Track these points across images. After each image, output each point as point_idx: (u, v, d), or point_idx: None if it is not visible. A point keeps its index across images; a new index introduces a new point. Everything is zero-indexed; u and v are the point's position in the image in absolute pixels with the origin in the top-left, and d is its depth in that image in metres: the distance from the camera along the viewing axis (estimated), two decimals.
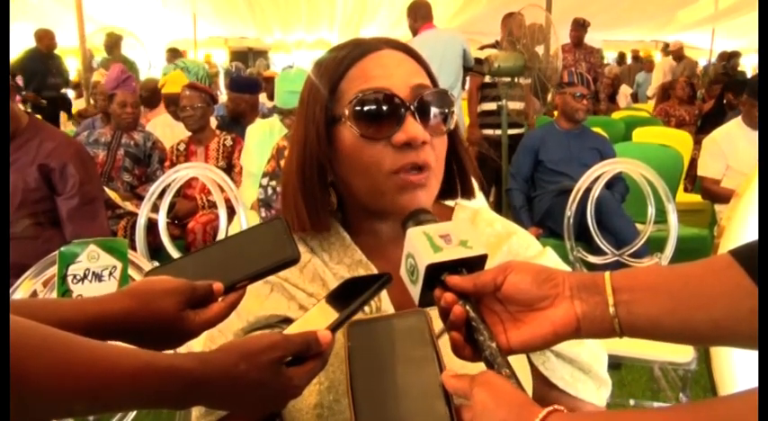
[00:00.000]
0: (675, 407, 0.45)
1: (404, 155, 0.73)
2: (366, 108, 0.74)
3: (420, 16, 4.32)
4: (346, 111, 0.74)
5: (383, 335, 0.56)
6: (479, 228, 0.86)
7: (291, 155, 0.82)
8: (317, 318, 0.61)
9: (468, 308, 0.57)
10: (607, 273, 0.58)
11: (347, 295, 0.63)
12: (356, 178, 0.77)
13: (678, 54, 8.33)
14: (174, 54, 6.86)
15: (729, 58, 8.49)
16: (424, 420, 0.50)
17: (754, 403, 0.39)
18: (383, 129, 0.73)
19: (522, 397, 0.49)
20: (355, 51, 0.78)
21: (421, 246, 0.59)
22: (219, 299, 0.64)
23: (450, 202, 0.88)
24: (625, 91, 8.49)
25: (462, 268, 0.60)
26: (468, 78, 4.42)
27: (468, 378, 0.52)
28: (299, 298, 0.79)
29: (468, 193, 0.87)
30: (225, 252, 0.69)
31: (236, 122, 3.72)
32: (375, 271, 0.79)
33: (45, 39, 6.30)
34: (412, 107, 0.74)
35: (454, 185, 0.85)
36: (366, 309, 0.76)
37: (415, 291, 0.61)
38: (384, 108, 0.73)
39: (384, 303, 0.78)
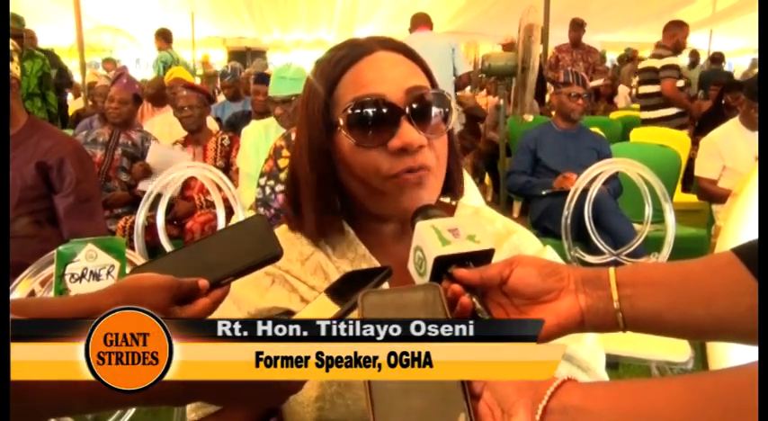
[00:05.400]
0: (684, 378, 0.46)
1: (400, 160, 0.73)
2: (360, 116, 0.73)
3: (415, 23, 4.35)
4: (341, 120, 0.74)
5: (397, 305, 0.56)
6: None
7: (300, 160, 0.81)
8: (317, 312, 0.61)
9: (474, 300, 0.58)
10: (611, 268, 0.60)
11: (348, 288, 0.63)
12: (356, 183, 0.77)
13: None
14: (165, 38, 6.23)
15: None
16: (435, 388, 0.51)
17: (753, 376, 0.40)
18: (379, 136, 0.73)
19: None
20: (350, 55, 0.77)
21: (429, 240, 0.61)
22: (205, 295, 0.64)
23: (452, 202, 0.88)
24: (623, 91, 8.50)
25: (469, 262, 0.61)
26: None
27: None
28: (300, 290, 0.79)
29: (456, 193, 0.86)
30: (209, 249, 0.70)
31: (247, 121, 3.68)
32: (377, 265, 0.80)
33: (30, 38, 6.22)
34: (407, 111, 0.73)
35: (448, 184, 0.85)
36: None
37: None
38: (378, 115, 0.73)
39: None
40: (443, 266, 0.60)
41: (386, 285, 0.78)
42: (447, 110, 0.76)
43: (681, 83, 4.60)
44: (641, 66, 4.89)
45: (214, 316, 0.65)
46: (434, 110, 0.75)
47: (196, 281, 0.63)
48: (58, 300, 0.61)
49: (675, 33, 4.61)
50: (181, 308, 0.62)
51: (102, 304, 0.58)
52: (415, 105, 0.73)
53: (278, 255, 0.68)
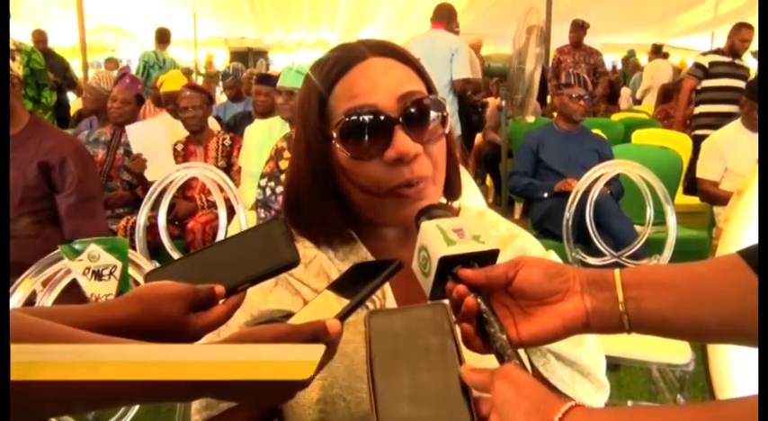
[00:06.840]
0: (692, 406, 0.46)
1: (397, 171, 0.72)
2: (353, 129, 0.72)
3: (433, 17, 4.28)
4: (334, 134, 0.73)
5: (403, 325, 0.56)
6: None
7: (299, 169, 0.80)
8: (324, 307, 0.60)
9: (479, 300, 0.58)
10: (617, 270, 0.59)
11: (354, 282, 0.63)
12: (356, 192, 0.76)
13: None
14: (158, 38, 6.23)
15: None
16: (443, 411, 0.51)
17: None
18: (373, 148, 0.72)
19: (543, 391, 0.49)
20: (340, 63, 0.75)
21: (434, 240, 0.60)
22: (221, 301, 0.64)
23: (454, 204, 0.88)
24: (626, 93, 8.50)
25: (474, 262, 0.60)
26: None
27: (489, 371, 0.51)
28: (303, 293, 0.79)
29: (454, 195, 0.86)
30: (224, 254, 0.68)
31: (249, 121, 3.68)
32: None
33: (41, 41, 6.23)
34: (400, 120, 0.72)
35: (446, 188, 0.84)
36: (369, 304, 0.76)
37: (426, 284, 0.62)
38: (371, 126, 0.71)
39: (388, 300, 0.78)
40: (448, 266, 0.60)
41: (388, 290, 0.78)
42: (442, 114, 0.75)
43: (714, 82, 4.51)
44: None
45: None
46: (429, 115, 0.74)
47: (212, 287, 0.62)
48: (70, 310, 0.61)
49: (731, 35, 4.56)
50: (197, 315, 0.62)
51: (121, 314, 0.59)
52: (408, 112, 0.72)
53: (297, 262, 0.67)
